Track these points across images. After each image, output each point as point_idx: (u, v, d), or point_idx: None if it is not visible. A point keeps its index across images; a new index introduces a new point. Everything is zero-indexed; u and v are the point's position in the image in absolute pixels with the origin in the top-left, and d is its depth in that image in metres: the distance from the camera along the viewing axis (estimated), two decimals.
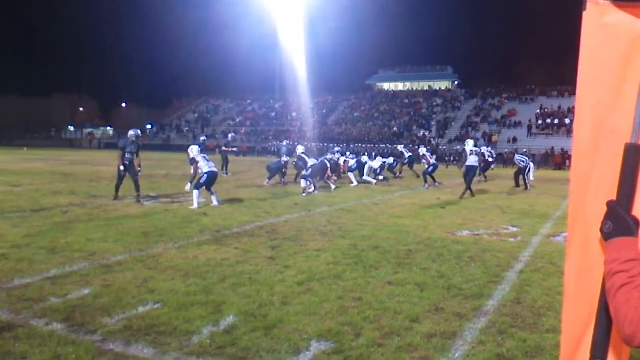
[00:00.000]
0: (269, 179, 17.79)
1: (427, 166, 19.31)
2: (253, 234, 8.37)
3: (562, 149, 38.59)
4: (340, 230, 8.84)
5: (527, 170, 18.94)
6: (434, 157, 21.49)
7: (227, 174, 21.69)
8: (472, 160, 15.57)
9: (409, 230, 9.05)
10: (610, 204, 1.28)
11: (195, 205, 11.05)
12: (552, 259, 6.97)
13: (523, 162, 18.99)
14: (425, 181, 18.84)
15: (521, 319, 4.60)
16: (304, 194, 14.53)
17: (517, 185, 18.85)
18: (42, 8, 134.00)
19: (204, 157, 11.83)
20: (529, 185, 18.59)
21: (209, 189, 11.65)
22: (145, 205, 11.52)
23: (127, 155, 12.39)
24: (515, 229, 9.48)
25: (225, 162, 22.39)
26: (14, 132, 68.90)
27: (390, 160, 23.42)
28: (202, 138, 26.57)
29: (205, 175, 11.46)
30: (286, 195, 14.33)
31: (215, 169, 11.80)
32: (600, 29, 1.45)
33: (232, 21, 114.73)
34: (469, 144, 17.17)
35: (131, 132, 12.81)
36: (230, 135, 27.45)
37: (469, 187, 15.13)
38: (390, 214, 11.04)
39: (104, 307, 4.59)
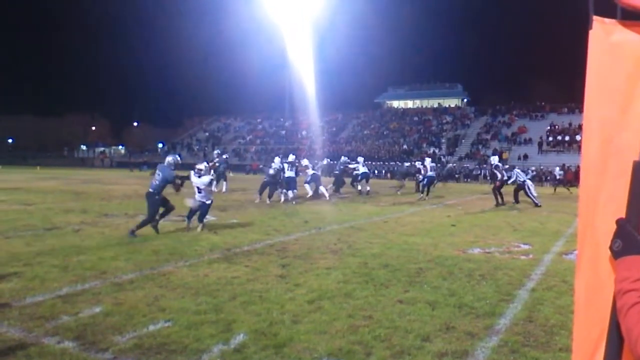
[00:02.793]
0: (267, 195, 18.31)
1: (421, 178, 19.90)
2: (263, 252, 8.38)
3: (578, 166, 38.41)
4: (350, 248, 8.82)
5: (527, 187, 18.81)
6: (433, 171, 21.42)
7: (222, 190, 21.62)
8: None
9: (419, 248, 9.01)
10: (619, 222, 1.28)
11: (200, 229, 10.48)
12: (564, 276, 6.90)
13: (520, 177, 19.14)
14: (421, 192, 19.56)
15: (533, 337, 4.56)
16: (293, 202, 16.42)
17: (517, 201, 18.88)
18: (56, 29, 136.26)
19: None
20: (538, 201, 18.48)
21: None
22: None
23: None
24: (526, 247, 9.41)
25: (218, 178, 21.67)
26: (28, 151, 69.69)
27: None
28: (216, 152, 25.12)
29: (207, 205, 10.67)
30: (296, 213, 14.33)
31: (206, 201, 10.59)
32: (607, 47, 1.46)
33: (242, 41, 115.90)
34: (495, 160, 18.39)
35: (169, 159, 10.63)
36: (215, 152, 25.68)
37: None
38: (400, 232, 11.00)
39: (115, 325, 4.61)
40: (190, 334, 4.43)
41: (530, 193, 18.62)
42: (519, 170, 20.06)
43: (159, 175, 10.14)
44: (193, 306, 5.23)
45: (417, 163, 26.64)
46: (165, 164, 10.46)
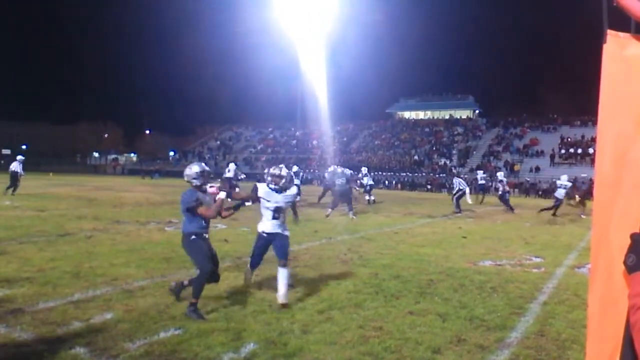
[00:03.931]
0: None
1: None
2: (273, 261, 8.36)
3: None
4: (360, 259, 8.81)
5: (462, 194, 20.09)
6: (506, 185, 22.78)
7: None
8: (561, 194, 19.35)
9: (430, 259, 8.97)
10: (634, 237, 1.27)
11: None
12: (576, 290, 6.85)
13: (461, 185, 20.39)
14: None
15: (545, 351, 4.52)
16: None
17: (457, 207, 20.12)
18: (71, 38, 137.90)
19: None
20: (460, 210, 19.74)
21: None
22: (167, 231, 11.63)
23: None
24: (538, 260, 9.34)
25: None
26: (41, 158, 70.36)
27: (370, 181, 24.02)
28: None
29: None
30: (306, 223, 14.33)
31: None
32: (621, 61, 1.46)
33: (255, 51, 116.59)
34: (563, 179, 19.90)
35: (187, 171, 5.82)
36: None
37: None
38: (411, 243, 10.97)
39: (126, 332, 4.63)
40: (200, 342, 4.44)
41: (459, 201, 20.10)
42: (460, 179, 21.33)
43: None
44: (203, 314, 5.25)
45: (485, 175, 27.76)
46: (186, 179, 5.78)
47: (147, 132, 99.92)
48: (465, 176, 46.30)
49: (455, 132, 59.08)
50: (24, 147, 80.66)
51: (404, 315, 5.46)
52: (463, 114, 71.42)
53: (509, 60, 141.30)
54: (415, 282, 7.07)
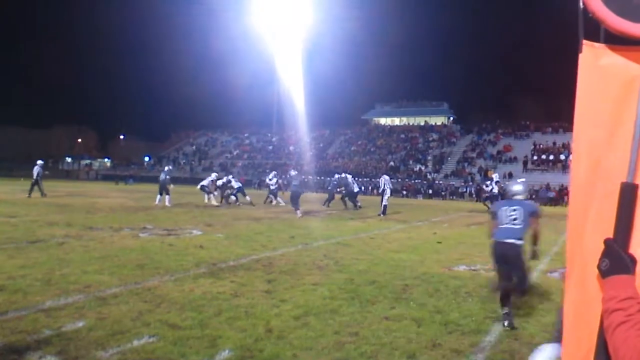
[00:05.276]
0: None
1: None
2: (249, 267, 8.33)
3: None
4: (336, 264, 8.81)
5: (385, 195, 20.92)
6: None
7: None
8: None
9: (406, 264, 9.02)
10: (607, 242, 1.30)
11: None
12: (549, 295, 6.95)
13: (386, 185, 21.17)
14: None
15: (519, 355, 4.57)
16: None
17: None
18: (44, 41, 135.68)
19: None
20: (384, 213, 20.51)
21: None
22: (141, 237, 11.47)
23: None
24: None
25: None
26: (14, 163, 68.87)
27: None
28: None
29: None
30: (283, 229, 14.30)
31: None
32: (596, 71, 1.49)
33: (231, 56, 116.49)
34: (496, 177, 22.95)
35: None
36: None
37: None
38: (387, 249, 11.01)
39: (99, 340, 4.54)
40: (175, 349, 4.38)
41: (384, 201, 20.93)
42: (386, 178, 21.92)
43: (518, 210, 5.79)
44: (178, 321, 5.18)
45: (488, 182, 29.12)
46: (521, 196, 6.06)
47: (121, 137, 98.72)
48: (441, 182, 46.75)
49: (430, 139, 59.66)
50: None
51: (380, 321, 5.47)
52: (438, 120, 72.14)
53: (483, 68, 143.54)
54: (391, 288, 7.10)
